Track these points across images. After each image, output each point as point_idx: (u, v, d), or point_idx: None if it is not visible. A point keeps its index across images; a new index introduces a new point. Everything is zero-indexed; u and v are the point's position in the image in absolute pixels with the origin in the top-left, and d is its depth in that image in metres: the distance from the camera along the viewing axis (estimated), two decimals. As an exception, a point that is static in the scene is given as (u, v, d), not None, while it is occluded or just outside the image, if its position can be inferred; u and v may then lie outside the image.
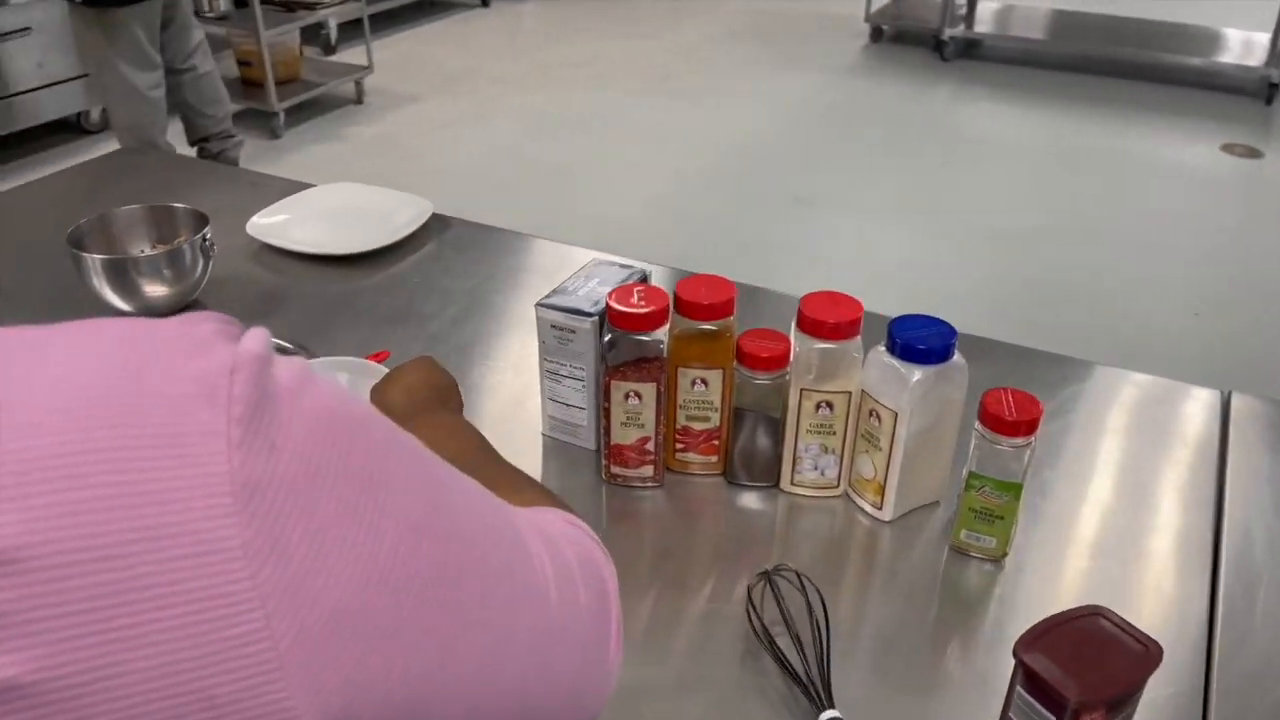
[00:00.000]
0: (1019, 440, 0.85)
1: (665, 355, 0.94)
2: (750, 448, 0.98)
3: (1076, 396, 1.14)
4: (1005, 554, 0.91)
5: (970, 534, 0.90)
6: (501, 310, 1.29)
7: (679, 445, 1.00)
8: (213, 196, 1.56)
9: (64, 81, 3.84)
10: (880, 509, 0.95)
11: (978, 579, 0.90)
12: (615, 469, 0.99)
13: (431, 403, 0.78)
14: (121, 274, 1.20)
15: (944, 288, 3.04)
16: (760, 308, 1.16)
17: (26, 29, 3.67)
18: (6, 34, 3.63)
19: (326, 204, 1.51)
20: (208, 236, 1.24)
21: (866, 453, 0.94)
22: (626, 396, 0.94)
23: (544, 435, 1.07)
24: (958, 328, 0.90)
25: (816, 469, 0.97)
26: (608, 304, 0.93)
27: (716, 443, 0.99)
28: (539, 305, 0.99)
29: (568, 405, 1.03)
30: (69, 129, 4.00)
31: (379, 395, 0.80)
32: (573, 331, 0.98)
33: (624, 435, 0.97)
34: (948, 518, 0.95)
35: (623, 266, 1.06)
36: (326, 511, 0.35)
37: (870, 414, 0.92)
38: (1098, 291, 3.05)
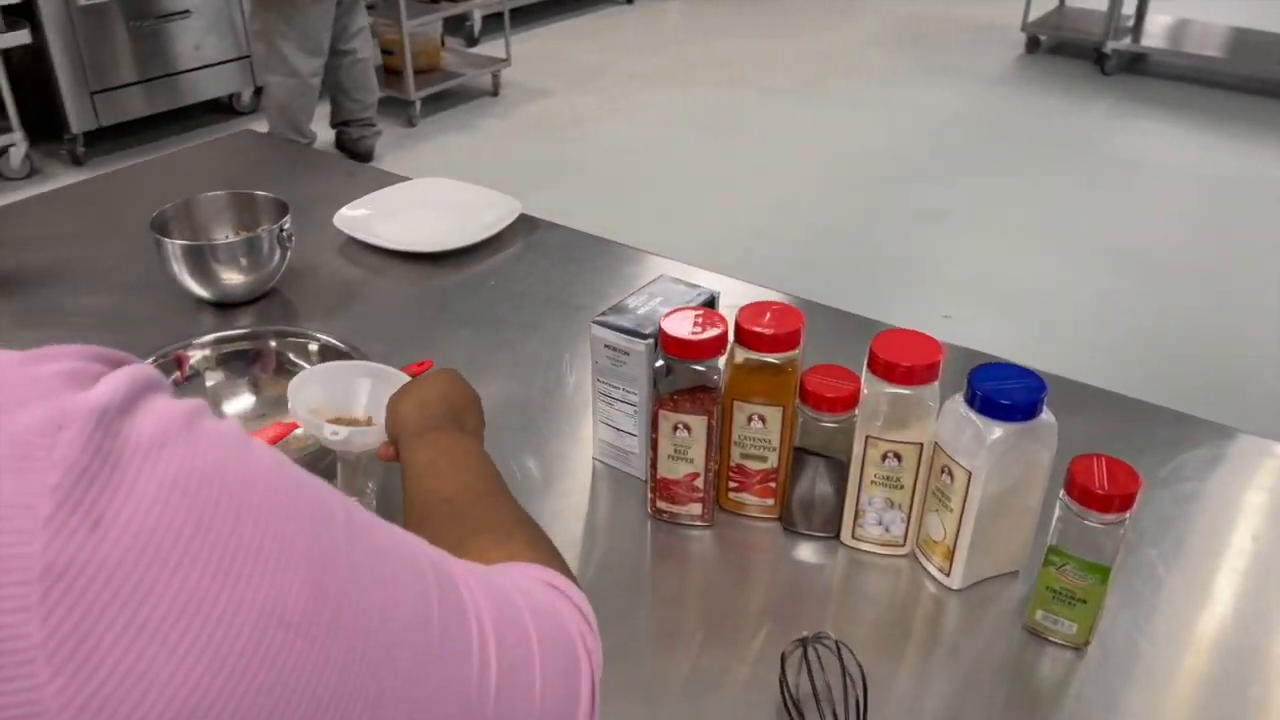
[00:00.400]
0: (1110, 517, 0.74)
1: (721, 387, 0.86)
2: (810, 494, 0.89)
3: (1204, 464, 1.00)
4: (1088, 642, 0.80)
5: (1047, 615, 0.80)
6: (575, 320, 1.24)
7: (733, 484, 0.92)
8: (313, 185, 1.56)
9: (219, 64, 3.99)
10: (948, 575, 0.85)
11: (1052, 667, 0.80)
12: (661, 504, 0.92)
13: (445, 421, 0.73)
14: (199, 260, 1.20)
15: (1065, 322, 2.84)
16: (844, 334, 1.07)
17: (187, 12, 3.83)
18: (169, 15, 3.79)
19: (416, 199, 1.48)
20: (285, 226, 1.23)
21: (936, 512, 0.84)
22: (675, 428, 0.87)
23: (595, 460, 1.00)
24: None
25: (880, 524, 0.88)
26: (661, 327, 0.86)
27: (773, 485, 0.91)
28: (594, 322, 0.93)
29: (619, 430, 0.96)
30: (221, 109, 4.16)
31: (392, 407, 0.76)
32: (626, 353, 0.91)
33: (671, 469, 0.90)
34: (1025, 592, 0.84)
35: (689, 286, 0.99)
36: (163, 604, 0.30)
37: (942, 470, 0.82)
38: (1245, 343, 2.79)
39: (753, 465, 0.90)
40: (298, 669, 0.32)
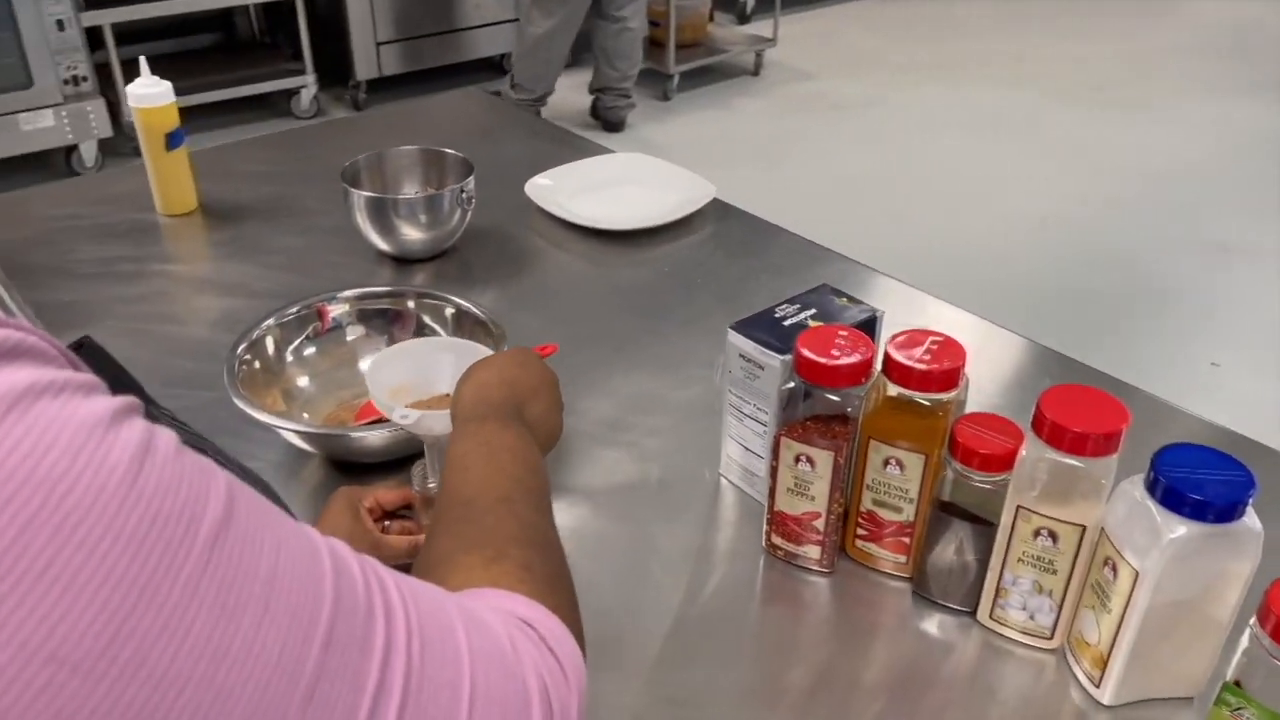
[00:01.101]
0: (1313, 664, 0.58)
1: (857, 421, 0.76)
2: (948, 558, 0.77)
3: None
4: (1266, 808, 0.63)
5: (1215, 765, 0.64)
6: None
7: (862, 532, 0.81)
8: (519, 148, 1.55)
9: (495, 24, 4.13)
10: (1098, 686, 0.70)
11: (1212, 829, 0.64)
12: (778, 540, 0.82)
13: (501, 407, 0.67)
14: (381, 213, 1.20)
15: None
16: (1058, 379, 0.92)
17: (470, -30, 3.99)
18: (455, -26, 3.96)
19: (612, 174, 1.43)
20: (467, 188, 1.21)
21: (1093, 609, 0.70)
22: (797, 459, 0.77)
23: (721, 476, 0.92)
24: None
25: (1025, 609, 0.74)
26: (795, 344, 0.76)
27: (908, 540, 0.79)
28: (732, 327, 0.84)
29: (747, 449, 0.87)
30: (493, 67, 4.32)
31: (456, 387, 0.70)
32: (761, 367, 0.82)
33: (790, 504, 0.80)
34: (1195, 728, 0.69)
35: (850, 302, 0.87)
36: None
37: (1105, 563, 0.68)
38: None
39: (886, 515, 0.79)
40: (65, 712, 0.27)
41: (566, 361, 1.05)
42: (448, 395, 0.80)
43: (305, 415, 0.94)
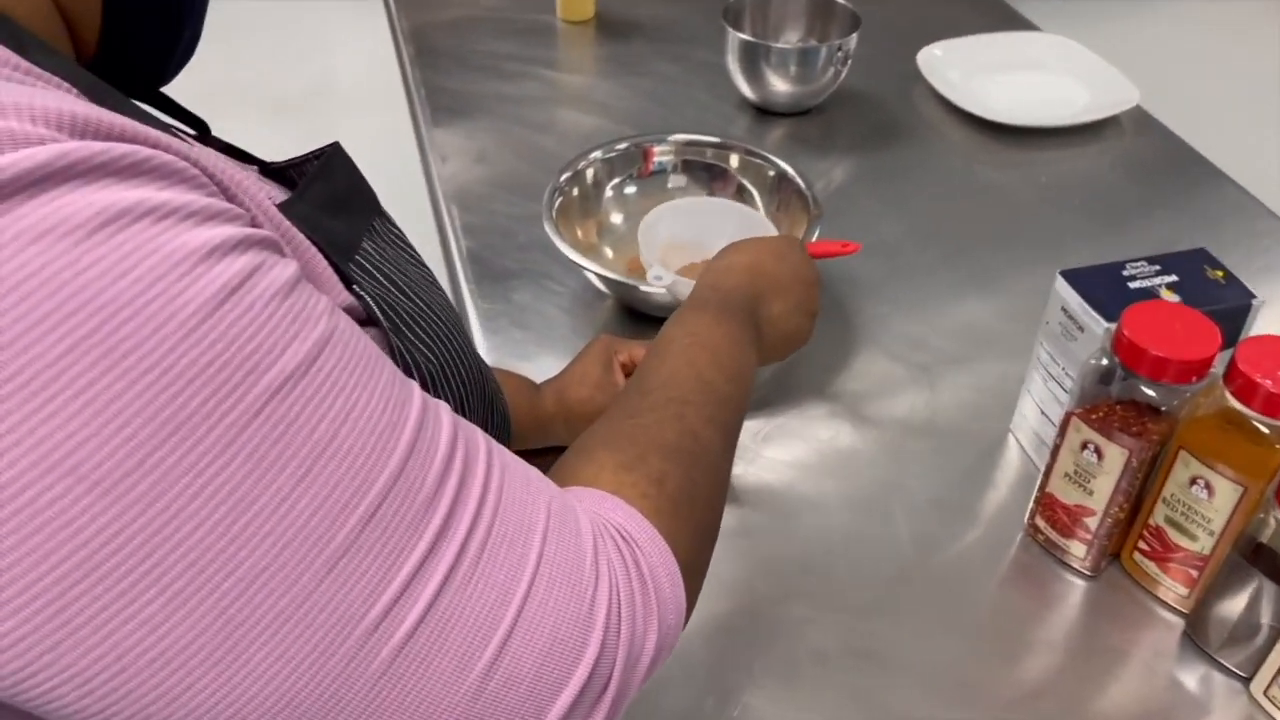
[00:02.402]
0: None
1: (1174, 422, 0.63)
2: (1237, 611, 0.64)
3: None
4: None
5: None
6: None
7: (1144, 547, 0.69)
8: (933, 7, 1.40)
9: None
10: (1378, 832, 0.56)
11: None
12: (1040, 522, 0.72)
13: (735, 297, 0.61)
14: (752, 58, 1.15)
15: None
16: None
17: None
18: None
19: (1023, 55, 1.26)
20: (845, 45, 1.12)
21: (1403, 744, 0.55)
22: (1083, 446, 0.66)
23: (1010, 432, 0.81)
24: None
25: (1315, 707, 0.60)
26: (1122, 316, 0.63)
27: (1196, 574, 0.66)
28: (1063, 274, 0.72)
29: (1043, 414, 0.76)
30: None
31: (711, 260, 0.65)
32: (1080, 329, 0.70)
33: (1063, 490, 0.69)
34: None
35: (1228, 280, 0.71)
36: None
37: None
38: None
39: (1177, 537, 0.66)
40: (72, 524, 0.29)
41: (883, 261, 0.97)
42: None
43: (610, 253, 0.94)
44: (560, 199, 0.92)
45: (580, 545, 0.39)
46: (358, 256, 0.46)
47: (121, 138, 0.31)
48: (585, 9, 1.37)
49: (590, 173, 0.95)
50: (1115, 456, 0.64)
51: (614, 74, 1.29)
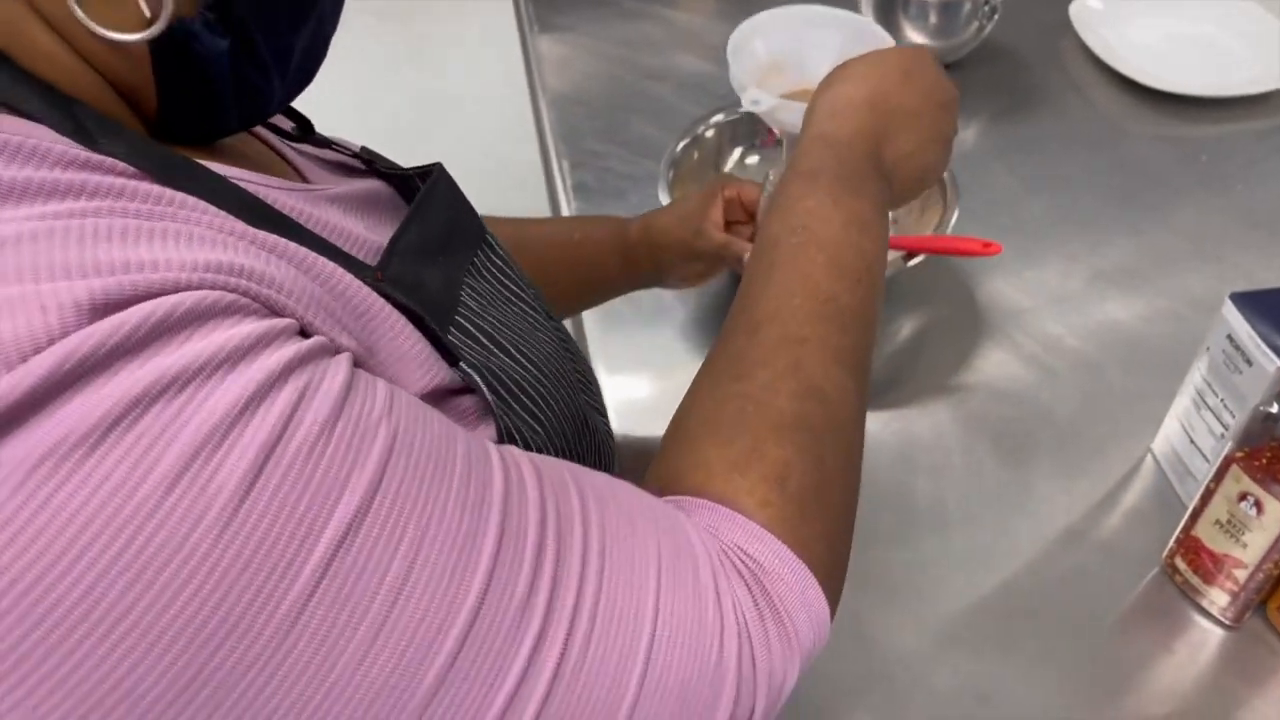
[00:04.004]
0: None
1: (1347, 484, 0.57)
2: (1400, 691, 0.58)
3: None
4: None
5: None
6: (1265, 266, 0.90)
7: (1295, 603, 0.63)
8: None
9: None
10: None
11: None
12: (1180, 563, 0.67)
13: (855, 148, 0.50)
14: (887, 7, 1.07)
15: None
16: None
17: None
18: None
19: (1194, 11, 1.14)
20: (995, 1, 1.04)
21: None
22: (1242, 497, 0.60)
23: (1150, 450, 0.76)
24: None
25: None
26: (1301, 363, 0.57)
27: (1354, 643, 0.61)
28: (1233, 296, 0.65)
29: (1192, 443, 0.70)
30: None
31: (817, 90, 0.55)
32: (1249, 363, 0.63)
33: (1211, 537, 0.64)
34: None
35: None
36: None
37: None
38: None
39: (1336, 602, 0.60)
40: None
41: (1019, 247, 0.91)
42: None
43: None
44: (679, 165, 0.87)
45: (700, 592, 0.35)
46: (457, 317, 0.43)
47: (144, 293, 0.28)
48: (711, -58, 1.29)
49: (711, 136, 0.90)
50: (1278, 513, 0.59)
51: (736, 16, 1.20)
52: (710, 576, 0.36)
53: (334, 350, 0.32)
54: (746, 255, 0.69)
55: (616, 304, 0.88)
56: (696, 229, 0.73)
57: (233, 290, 0.29)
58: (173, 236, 0.30)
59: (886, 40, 0.67)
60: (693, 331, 0.87)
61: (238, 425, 0.27)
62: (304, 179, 0.46)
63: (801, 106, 0.56)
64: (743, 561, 0.37)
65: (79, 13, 0.33)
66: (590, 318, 0.87)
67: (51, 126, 0.32)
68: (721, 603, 0.35)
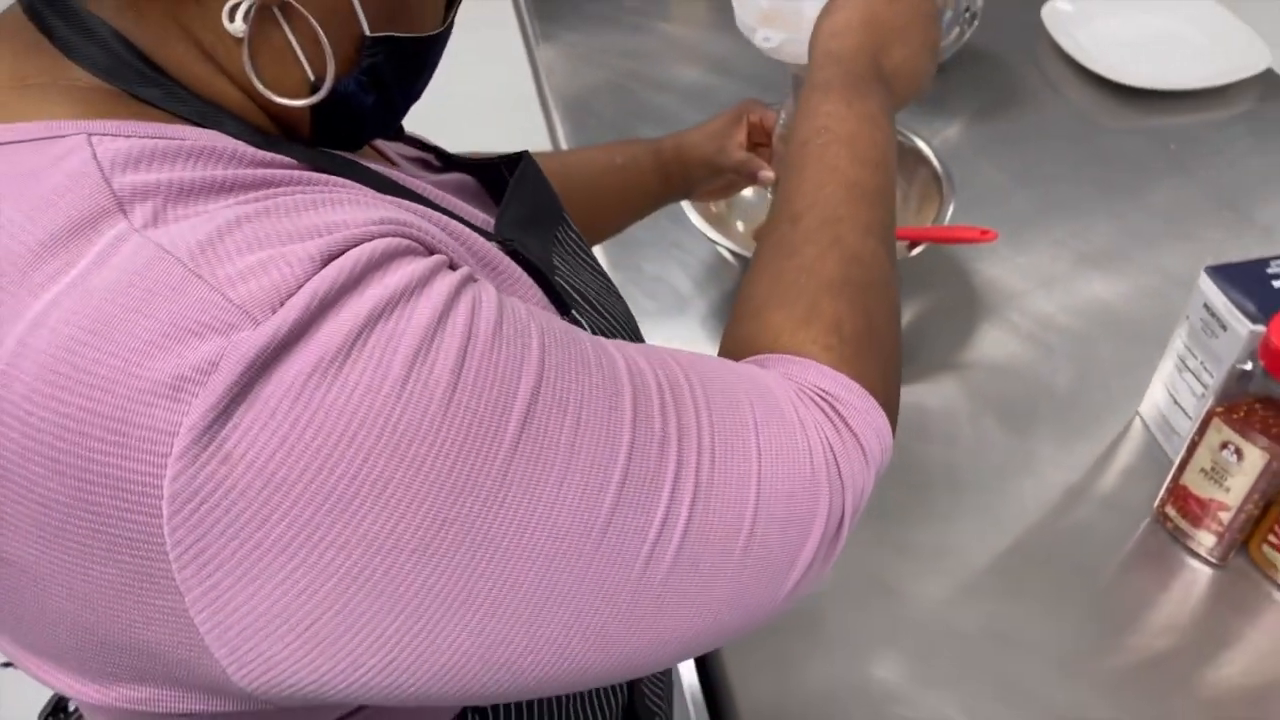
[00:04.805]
0: None
1: (1315, 430, 0.65)
2: (1369, 610, 0.66)
3: None
4: None
5: None
6: (1234, 244, 0.98)
7: (1273, 539, 0.71)
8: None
9: None
10: None
11: None
12: (1171, 511, 0.75)
13: (856, 61, 0.59)
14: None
15: None
16: None
17: None
18: None
19: (1153, 8, 1.23)
20: (971, 6, 1.11)
21: None
22: (1223, 446, 0.68)
23: (1138, 414, 0.84)
24: None
25: None
26: (1269, 325, 0.65)
27: (1327, 571, 0.69)
28: (1207, 270, 0.73)
29: (1175, 403, 0.78)
30: None
31: (817, 20, 0.63)
32: (1224, 327, 0.71)
33: (1197, 484, 0.71)
34: None
35: (1377, 278, 0.72)
36: (275, 531, 0.32)
37: None
38: None
39: (1310, 536, 0.68)
40: (402, 591, 0.34)
41: (1010, 235, 0.98)
42: None
43: (741, 226, 0.97)
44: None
45: (787, 421, 0.43)
46: (556, 276, 0.50)
47: (350, 243, 0.35)
48: (702, -44, 1.36)
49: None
50: (1255, 458, 0.67)
51: (732, 27, 1.28)
52: (794, 411, 0.44)
53: (474, 277, 0.39)
54: (763, 172, 0.80)
55: (638, 297, 0.95)
56: (721, 146, 0.82)
57: (404, 236, 0.37)
58: (349, 203, 0.37)
59: None
60: (713, 323, 0.94)
61: (437, 333, 0.34)
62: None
63: (805, 38, 0.64)
64: (818, 394, 0.46)
65: (256, 83, 0.40)
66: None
67: (228, 134, 0.39)
68: (807, 429, 0.44)
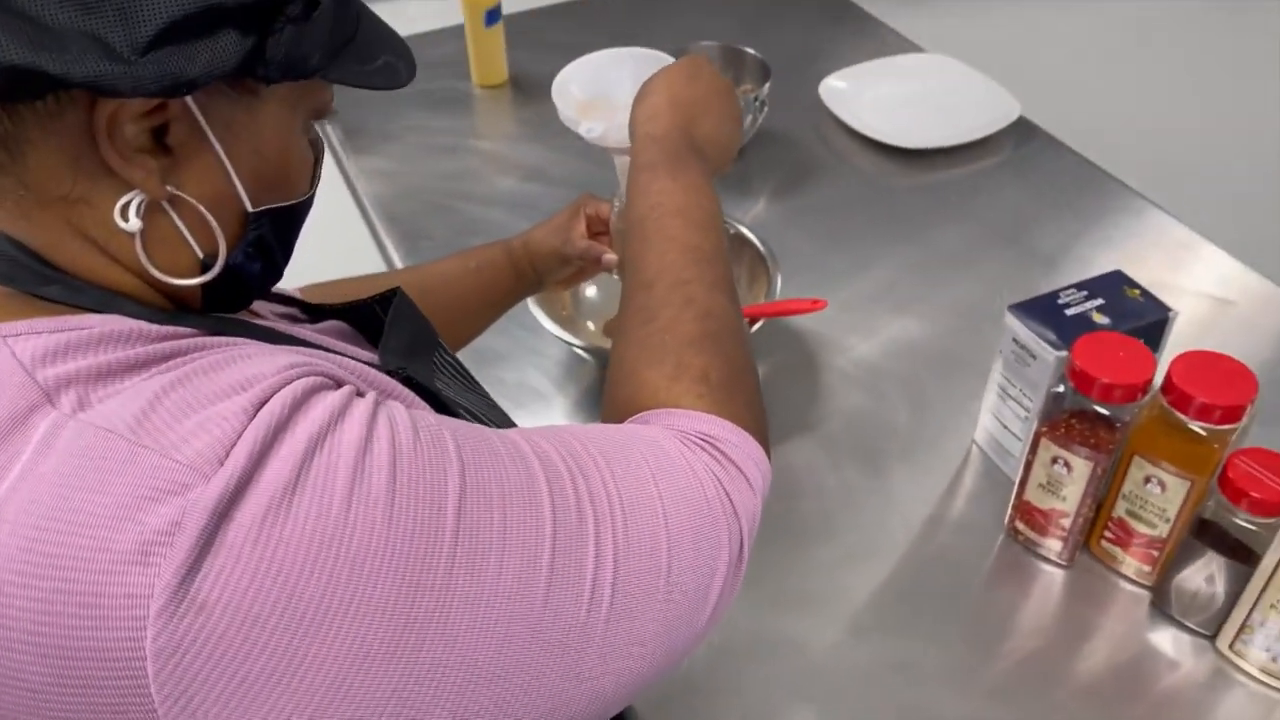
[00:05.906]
0: None
1: (1124, 436, 0.74)
2: (1196, 582, 0.76)
3: None
4: None
5: None
6: (1025, 270, 1.11)
7: (1109, 535, 0.81)
8: (821, 34, 1.51)
9: None
10: (1331, 748, 0.69)
11: None
12: (1020, 525, 0.84)
13: (672, 137, 0.65)
14: (675, 111, 1.23)
15: None
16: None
17: None
18: None
19: (915, 77, 1.38)
20: (760, 95, 1.22)
21: (1343, 675, 0.68)
22: (1054, 461, 0.77)
23: (974, 442, 0.93)
24: None
25: (1269, 653, 0.73)
26: (1072, 351, 0.75)
27: (1156, 554, 0.78)
28: (1010, 309, 0.83)
29: (1004, 427, 0.88)
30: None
31: (633, 107, 0.69)
32: (1033, 356, 0.81)
33: (1038, 498, 0.80)
34: None
35: (1145, 299, 0.83)
36: (257, 664, 0.35)
37: (1367, 637, 0.65)
38: None
39: (1137, 526, 0.78)
40: (380, 689, 0.37)
41: (832, 298, 1.07)
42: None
43: (591, 325, 1.01)
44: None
45: (679, 468, 0.48)
46: (441, 399, 0.54)
47: (274, 390, 0.39)
48: (499, 73, 1.43)
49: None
50: (1081, 467, 0.76)
51: (541, 139, 1.35)
52: (683, 458, 0.49)
53: (382, 401, 0.43)
54: (606, 256, 0.86)
55: (505, 405, 0.96)
56: (566, 238, 0.88)
57: (314, 374, 0.41)
58: (256, 357, 0.41)
59: (666, 58, 0.82)
60: (579, 415, 0.98)
61: (367, 452, 0.38)
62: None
63: (622, 123, 0.71)
64: (701, 439, 0.51)
65: (152, 269, 0.42)
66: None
67: (124, 314, 0.41)
68: (697, 472, 0.49)
